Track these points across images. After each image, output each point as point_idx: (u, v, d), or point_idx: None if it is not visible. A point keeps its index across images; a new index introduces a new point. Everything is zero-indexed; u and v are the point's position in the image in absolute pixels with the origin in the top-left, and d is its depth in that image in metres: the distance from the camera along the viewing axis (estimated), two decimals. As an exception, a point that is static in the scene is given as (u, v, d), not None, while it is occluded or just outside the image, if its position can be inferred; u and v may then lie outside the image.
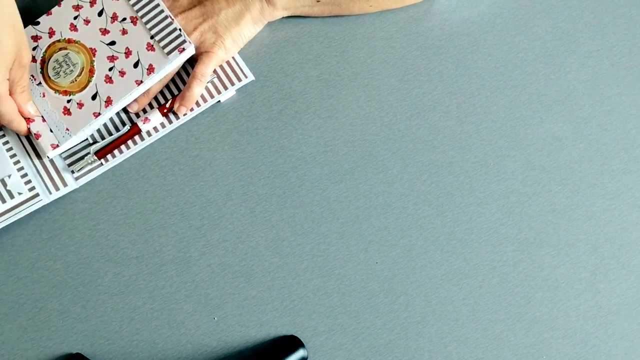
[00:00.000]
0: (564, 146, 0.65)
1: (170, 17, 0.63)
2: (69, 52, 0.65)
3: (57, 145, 0.63)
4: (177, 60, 0.63)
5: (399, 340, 0.62)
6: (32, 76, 0.65)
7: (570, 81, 0.67)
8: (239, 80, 0.67)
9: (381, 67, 0.68)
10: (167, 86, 0.67)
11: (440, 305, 0.62)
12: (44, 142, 0.64)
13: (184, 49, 0.63)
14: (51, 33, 0.66)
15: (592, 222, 0.64)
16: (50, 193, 0.63)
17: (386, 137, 0.66)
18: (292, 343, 0.61)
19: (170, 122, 0.66)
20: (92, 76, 0.64)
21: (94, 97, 0.64)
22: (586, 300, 0.62)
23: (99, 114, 0.63)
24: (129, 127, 0.65)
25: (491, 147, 0.65)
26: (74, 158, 0.65)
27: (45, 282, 0.62)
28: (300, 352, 0.60)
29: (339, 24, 0.70)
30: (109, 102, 0.63)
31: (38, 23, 0.67)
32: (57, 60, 0.65)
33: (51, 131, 0.64)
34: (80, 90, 0.64)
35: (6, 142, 0.64)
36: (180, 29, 0.63)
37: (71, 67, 0.65)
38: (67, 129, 0.63)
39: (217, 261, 0.63)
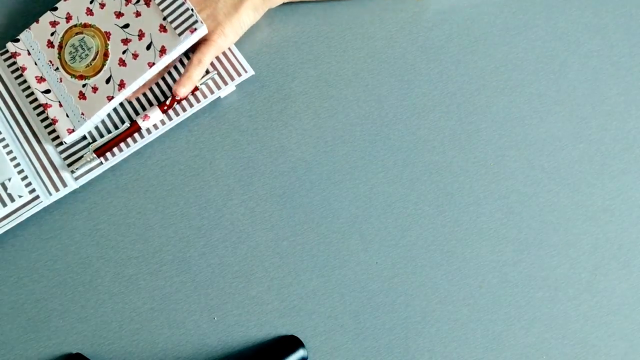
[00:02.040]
0: (564, 146, 0.65)
1: None
2: (84, 37, 0.65)
3: (73, 130, 0.64)
4: (189, 41, 0.63)
5: (399, 340, 0.61)
6: (50, 61, 0.66)
7: (570, 81, 0.67)
8: (239, 75, 0.67)
9: (381, 67, 0.68)
10: (167, 83, 0.67)
11: (440, 305, 0.62)
12: (60, 127, 0.64)
13: (195, 29, 0.62)
14: (68, 18, 0.66)
15: (592, 222, 0.64)
16: (50, 194, 0.63)
17: (386, 137, 0.66)
18: (292, 343, 0.61)
19: (170, 119, 0.65)
20: (107, 60, 0.64)
21: (107, 81, 0.64)
22: (586, 300, 0.62)
23: (112, 97, 0.63)
24: (128, 125, 0.65)
25: (491, 147, 0.65)
26: (74, 158, 0.65)
27: (45, 282, 0.62)
28: (300, 352, 0.60)
29: (339, 24, 0.70)
30: (122, 85, 0.63)
31: (56, 9, 0.67)
32: (73, 45, 0.65)
33: (67, 116, 0.64)
34: (95, 74, 0.64)
35: (6, 145, 0.64)
36: (192, 9, 0.63)
37: (86, 51, 0.65)
38: (83, 114, 0.64)
39: (217, 261, 0.63)
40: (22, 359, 0.61)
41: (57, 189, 0.63)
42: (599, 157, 0.65)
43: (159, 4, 0.64)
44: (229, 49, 0.68)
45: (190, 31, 0.63)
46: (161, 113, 0.65)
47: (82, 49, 0.65)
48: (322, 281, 0.62)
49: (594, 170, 0.65)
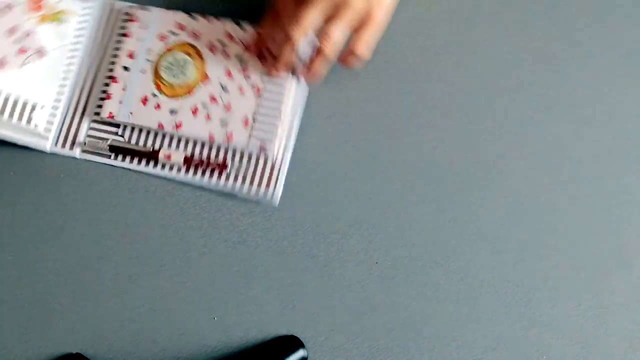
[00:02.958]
0: (564, 146, 0.65)
1: (280, 117, 0.63)
2: (189, 61, 0.64)
3: (113, 117, 0.64)
4: (252, 150, 0.63)
5: (399, 340, 0.61)
6: (149, 50, 0.65)
7: (570, 81, 0.67)
8: (263, 195, 0.63)
9: (381, 67, 0.68)
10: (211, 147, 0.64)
11: (440, 305, 0.62)
12: (107, 105, 0.64)
13: (264, 148, 0.62)
14: (195, 35, 0.66)
15: (592, 222, 0.64)
16: (55, 145, 0.64)
17: (386, 137, 0.66)
18: (292, 343, 0.61)
19: (186, 174, 0.64)
20: (187, 95, 0.64)
21: (172, 112, 0.64)
22: (586, 300, 0.62)
23: (163, 127, 0.63)
24: (149, 149, 0.64)
25: (491, 147, 0.65)
26: (95, 136, 0.65)
27: (45, 282, 0.62)
28: (300, 352, 0.60)
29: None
30: (178, 126, 0.63)
31: (196, 19, 0.66)
32: (176, 59, 0.65)
33: (120, 103, 0.64)
34: (170, 96, 0.64)
35: (64, 79, 0.65)
36: (277, 128, 0.62)
37: (181, 73, 0.64)
38: (131, 113, 0.64)
39: (217, 261, 0.63)
40: (22, 359, 0.61)
41: (63, 146, 0.64)
42: (599, 157, 0.65)
43: (263, 100, 0.63)
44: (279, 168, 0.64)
45: (260, 145, 0.62)
46: (182, 163, 0.63)
47: (181, 68, 0.64)
48: (322, 281, 0.62)
49: (594, 170, 0.65)
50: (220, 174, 0.63)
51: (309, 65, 0.62)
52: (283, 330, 0.62)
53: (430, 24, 0.69)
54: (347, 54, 0.61)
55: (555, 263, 0.63)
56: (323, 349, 0.61)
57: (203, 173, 0.63)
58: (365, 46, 0.59)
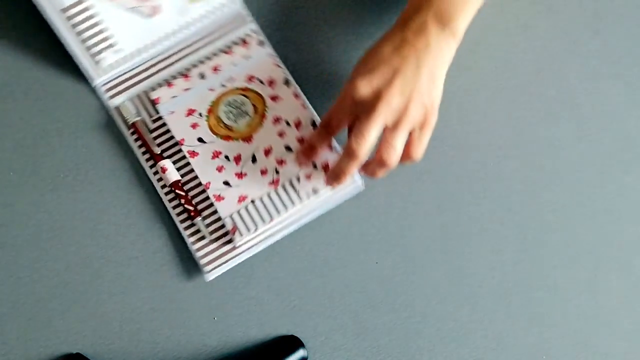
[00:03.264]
0: (564, 146, 0.65)
1: (267, 222, 0.61)
2: (249, 113, 0.63)
3: (157, 102, 0.64)
4: (227, 224, 0.61)
5: (399, 340, 0.62)
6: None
7: (570, 81, 0.67)
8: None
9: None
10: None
11: (440, 305, 0.62)
12: (163, 90, 0.64)
13: (233, 233, 0.61)
14: (273, 98, 0.64)
15: (592, 222, 0.64)
16: (103, 86, 0.65)
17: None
18: (292, 343, 0.61)
19: (165, 196, 0.63)
20: (225, 137, 0.63)
21: (200, 140, 0.62)
22: (586, 300, 0.62)
23: (182, 142, 0.62)
24: (157, 151, 0.63)
25: (491, 147, 0.65)
26: (135, 105, 0.65)
27: (45, 282, 0.62)
28: (300, 352, 0.60)
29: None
30: (193, 154, 0.62)
31: (288, 85, 0.64)
32: (241, 102, 0.63)
33: (173, 97, 0.63)
34: (211, 127, 0.63)
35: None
36: (259, 228, 0.61)
37: (235, 117, 0.63)
38: (172, 112, 0.63)
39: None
40: (22, 359, 0.61)
41: (107, 91, 0.65)
42: (599, 157, 0.65)
43: (269, 193, 0.61)
44: None
45: (232, 227, 0.61)
46: (170, 182, 0.62)
47: (238, 113, 0.63)
48: (322, 281, 0.62)
49: (594, 170, 0.65)
50: (187, 218, 0.62)
51: (367, 171, 0.59)
52: (283, 330, 0.62)
53: (430, 24, 0.69)
54: (404, 158, 0.58)
55: (555, 263, 0.63)
56: (323, 349, 0.61)
57: (176, 206, 0.62)
58: (421, 150, 0.58)
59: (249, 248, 0.62)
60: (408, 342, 0.62)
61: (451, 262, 0.63)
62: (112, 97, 0.65)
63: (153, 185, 0.64)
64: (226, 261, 0.61)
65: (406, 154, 0.58)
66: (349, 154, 0.56)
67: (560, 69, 0.68)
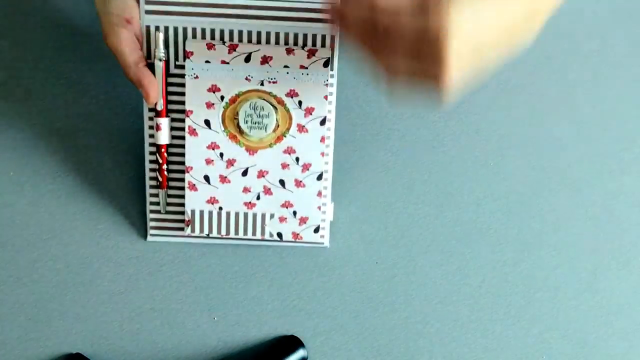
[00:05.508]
0: (564, 146, 0.65)
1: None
2: (272, 121, 0.57)
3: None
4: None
5: (399, 340, 0.62)
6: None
7: (570, 81, 0.67)
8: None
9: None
10: None
11: (440, 305, 0.62)
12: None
13: (189, 222, 0.60)
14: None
15: (592, 222, 0.64)
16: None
17: (386, 137, 0.66)
18: (292, 343, 0.61)
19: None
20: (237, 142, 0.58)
21: (222, 156, 0.58)
22: (586, 300, 0.62)
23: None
24: (165, 142, 0.59)
25: (491, 147, 0.65)
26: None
27: (45, 282, 0.62)
28: (300, 352, 0.60)
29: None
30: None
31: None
32: (262, 109, 0.57)
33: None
34: (230, 137, 0.58)
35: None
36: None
37: (262, 125, 0.58)
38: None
39: (217, 261, 0.63)
40: (22, 359, 0.61)
41: None
42: (599, 157, 0.65)
43: None
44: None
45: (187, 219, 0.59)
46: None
47: (260, 119, 0.57)
48: (322, 281, 0.62)
49: (594, 170, 0.65)
50: (156, 186, 0.61)
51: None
52: (283, 330, 0.62)
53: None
54: None
55: (555, 263, 0.63)
56: (323, 349, 0.61)
57: (152, 169, 0.60)
58: None
59: (195, 239, 0.62)
60: (408, 342, 0.62)
61: (451, 262, 0.63)
62: (149, 12, 0.56)
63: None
64: (172, 236, 0.62)
65: None
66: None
67: (560, 69, 0.68)
